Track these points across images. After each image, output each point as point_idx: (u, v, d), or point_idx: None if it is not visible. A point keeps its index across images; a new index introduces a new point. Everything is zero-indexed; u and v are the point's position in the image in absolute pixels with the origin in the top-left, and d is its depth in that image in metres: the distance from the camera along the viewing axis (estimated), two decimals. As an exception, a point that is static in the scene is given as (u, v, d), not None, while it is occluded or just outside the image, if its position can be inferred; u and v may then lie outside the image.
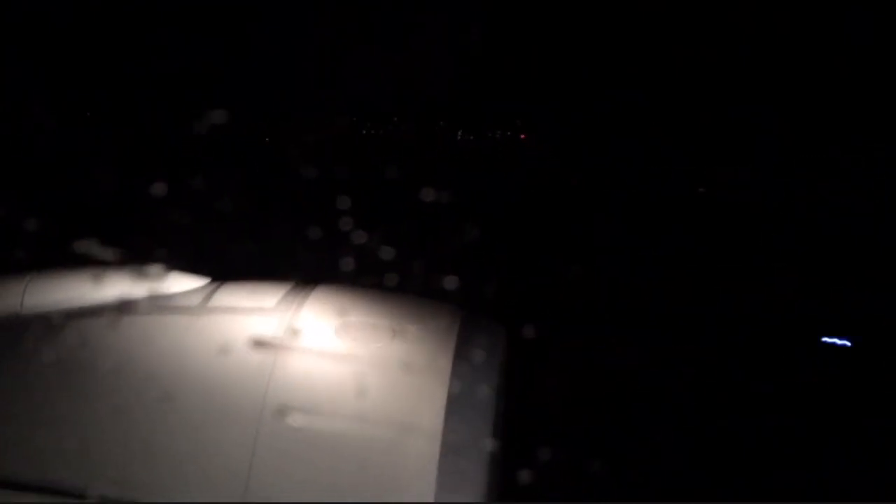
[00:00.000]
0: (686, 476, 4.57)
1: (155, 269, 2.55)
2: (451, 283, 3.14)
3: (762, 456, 4.74)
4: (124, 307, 2.36)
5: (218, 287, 2.50)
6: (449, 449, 1.97)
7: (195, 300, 2.41)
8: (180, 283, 2.51)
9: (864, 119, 8.24)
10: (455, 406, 2.05)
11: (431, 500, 1.91)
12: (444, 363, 2.16)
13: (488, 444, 2.02)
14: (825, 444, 4.90)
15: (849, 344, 5.70)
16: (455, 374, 2.13)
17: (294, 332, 2.21)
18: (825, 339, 5.78)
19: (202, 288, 2.50)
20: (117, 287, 2.44)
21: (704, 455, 4.80)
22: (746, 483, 4.57)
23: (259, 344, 2.16)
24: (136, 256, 2.68)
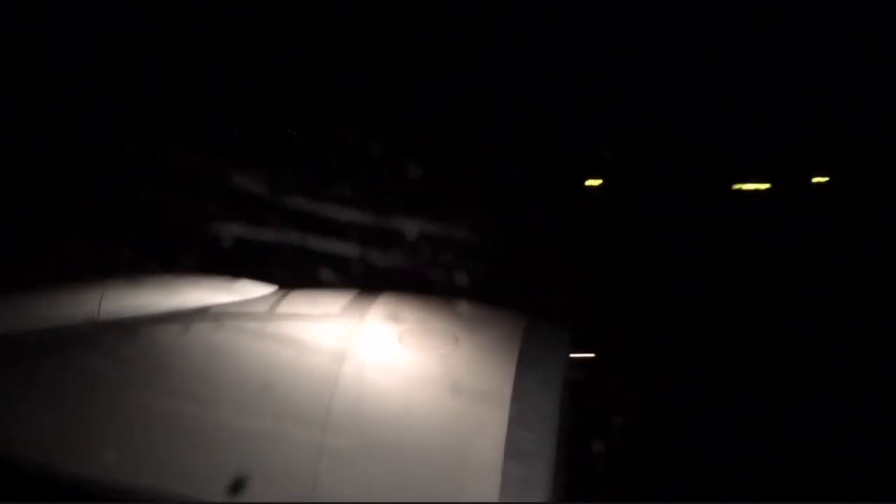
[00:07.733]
0: (686, 476, 4.55)
1: (225, 277, 2.63)
2: (514, 287, 3.14)
3: (762, 456, 4.69)
4: (197, 314, 2.43)
5: (285, 294, 2.55)
6: (513, 455, 1.97)
7: (264, 307, 2.46)
8: (249, 291, 2.57)
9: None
10: (519, 412, 2.05)
11: None
12: (508, 369, 2.16)
13: (552, 450, 2.02)
14: (825, 444, 4.84)
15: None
16: (519, 379, 2.13)
17: (359, 339, 2.24)
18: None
19: (270, 295, 2.56)
20: (190, 294, 2.52)
21: (704, 455, 4.77)
22: (747, 483, 4.52)
23: (325, 350, 2.19)
24: (207, 266, 2.76)
